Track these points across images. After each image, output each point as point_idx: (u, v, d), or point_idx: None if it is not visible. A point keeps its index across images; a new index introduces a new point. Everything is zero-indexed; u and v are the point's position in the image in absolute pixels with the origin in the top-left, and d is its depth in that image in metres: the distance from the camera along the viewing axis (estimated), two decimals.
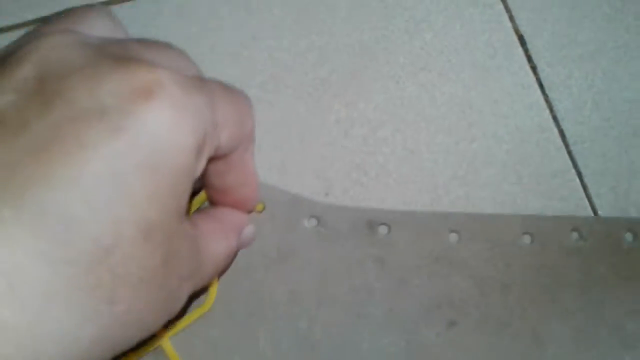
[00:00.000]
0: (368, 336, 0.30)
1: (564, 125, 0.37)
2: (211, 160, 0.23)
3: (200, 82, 0.20)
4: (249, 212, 0.29)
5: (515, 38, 0.39)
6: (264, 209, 0.31)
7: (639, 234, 0.31)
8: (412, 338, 0.29)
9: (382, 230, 0.32)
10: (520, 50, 0.39)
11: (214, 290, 0.29)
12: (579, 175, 0.36)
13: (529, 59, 0.39)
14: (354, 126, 0.37)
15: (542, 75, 0.38)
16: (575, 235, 0.31)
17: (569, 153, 0.36)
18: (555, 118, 0.37)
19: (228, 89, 0.24)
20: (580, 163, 0.36)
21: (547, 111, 0.37)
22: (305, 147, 0.37)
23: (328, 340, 0.29)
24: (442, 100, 0.38)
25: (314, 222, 0.32)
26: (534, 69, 0.38)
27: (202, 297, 0.30)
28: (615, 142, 0.37)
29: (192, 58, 0.39)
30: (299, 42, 0.39)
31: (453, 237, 0.32)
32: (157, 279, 0.17)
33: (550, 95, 0.38)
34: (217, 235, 0.24)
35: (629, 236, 0.31)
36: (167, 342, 0.28)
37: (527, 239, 0.32)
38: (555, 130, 0.37)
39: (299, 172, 0.36)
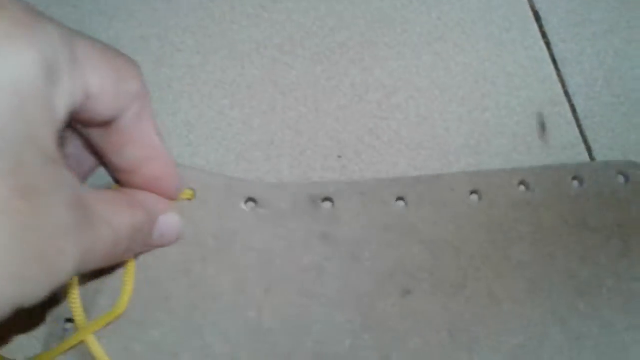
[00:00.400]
0: (322, 317, 0.28)
1: (575, 100, 0.38)
2: (99, 128, 0.22)
3: (56, 23, 0.18)
4: (172, 198, 0.26)
5: (530, 14, 0.40)
6: (193, 196, 0.28)
7: (585, 179, 0.31)
8: (368, 312, 0.28)
9: (326, 205, 0.30)
10: (535, 25, 0.39)
11: (126, 290, 0.26)
12: (589, 149, 0.36)
13: (544, 34, 0.39)
14: (368, 91, 0.38)
15: (555, 51, 0.39)
16: (522, 187, 0.31)
17: (579, 127, 0.37)
18: (567, 93, 0.38)
19: (101, 43, 0.21)
20: (590, 137, 0.37)
21: (559, 86, 0.38)
22: (319, 109, 0.37)
23: (280, 326, 0.28)
24: (457, 71, 0.38)
25: (252, 204, 0.29)
26: (547, 44, 0.39)
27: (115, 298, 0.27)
28: (625, 118, 0.37)
29: (213, 17, 0.39)
30: (319, 5, 0.39)
31: (400, 203, 0.30)
32: (16, 215, 0.15)
33: (563, 70, 0.38)
34: (118, 204, 0.21)
35: (575, 183, 0.31)
36: (92, 341, 0.25)
37: (474, 197, 0.31)
38: (567, 105, 0.37)
39: (313, 134, 0.36)
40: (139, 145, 0.22)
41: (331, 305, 0.28)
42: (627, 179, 0.31)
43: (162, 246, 0.27)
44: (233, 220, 0.28)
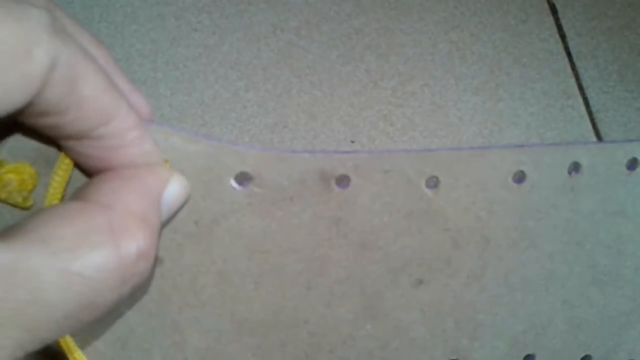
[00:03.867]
0: (321, 308, 0.24)
1: (589, 94, 0.36)
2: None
3: None
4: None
5: (547, 6, 0.38)
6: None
7: (639, 162, 0.26)
8: (373, 303, 0.25)
9: (340, 184, 0.23)
10: (551, 18, 0.37)
11: None
12: (600, 142, 0.35)
13: (559, 27, 0.37)
14: (383, 78, 0.36)
15: (570, 44, 0.37)
16: (572, 167, 0.26)
17: (592, 120, 0.35)
18: (580, 86, 0.36)
19: None
20: (602, 130, 0.35)
21: (573, 79, 0.36)
22: (334, 94, 0.35)
23: (272, 318, 0.24)
24: (472, 60, 0.36)
25: (244, 180, 0.22)
26: (563, 37, 0.37)
27: None
28: (637, 113, 0.36)
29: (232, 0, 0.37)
30: None
31: (430, 183, 0.24)
32: None
33: (578, 63, 0.37)
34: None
35: (628, 164, 0.26)
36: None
37: (517, 179, 0.26)
38: (580, 98, 0.36)
39: (327, 118, 0.35)
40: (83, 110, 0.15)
41: (331, 296, 0.24)
42: None
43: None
44: (218, 202, 0.21)
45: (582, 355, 0.27)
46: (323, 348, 0.25)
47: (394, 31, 0.37)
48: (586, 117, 0.36)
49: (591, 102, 0.36)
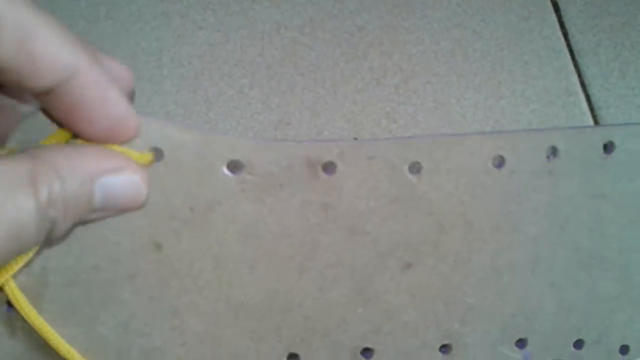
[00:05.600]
0: (314, 292, 0.25)
1: (591, 91, 0.35)
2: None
3: None
4: (121, 136, 0.18)
5: (549, 4, 0.37)
6: (153, 159, 0.21)
7: (616, 145, 0.26)
8: (364, 286, 0.25)
9: (327, 171, 0.24)
10: (553, 15, 0.37)
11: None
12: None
13: (562, 25, 0.37)
14: (386, 75, 0.35)
15: (572, 41, 0.36)
16: (550, 152, 0.26)
17: (594, 117, 0.35)
18: (582, 83, 0.35)
19: None
20: None
21: (575, 76, 0.36)
22: (337, 91, 0.35)
23: (267, 302, 0.24)
24: (475, 57, 0.36)
25: (235, 167, 0.23)
26: (565, 34, 0.36)
27: None
28: (639, 110, 0.35)
29: None
30: None
31: (413, 169, 0.25)
32: None
33: (580, 61, 0.36)
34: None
35: (604, 149, 0.27)
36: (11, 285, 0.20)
37: (496, 163, 0.26)
38: (582, 95, 0.35)
39: (330, 115, 0.34)
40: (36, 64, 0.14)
41: (325, 280, 0.25)
42: None
43: (113, 215, 0.20)
44: (212, 188, 0.22)
45: (575, 339, 0.27)
46: (317, 332, 0.25)
47: (397, 29, 0.36)
48: (588, 114, 0.35)
49: (593, 100, 0.35)
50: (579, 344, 0.26)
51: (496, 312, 0.26)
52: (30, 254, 0.20)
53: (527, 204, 0.26)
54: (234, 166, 0.23)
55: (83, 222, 0.19)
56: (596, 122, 0.35)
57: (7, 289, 0.20)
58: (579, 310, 0.26)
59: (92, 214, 0.18)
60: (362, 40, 0.36)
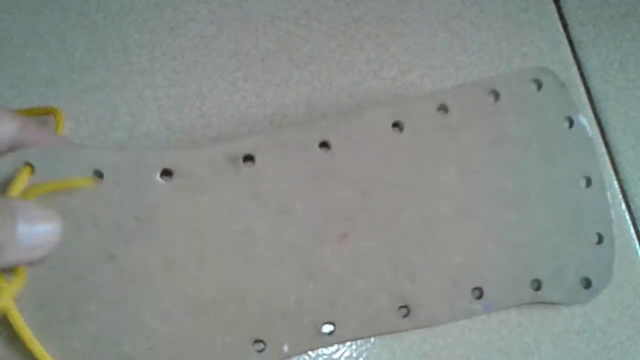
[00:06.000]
0: (263, 277, 0.25)
1: (590, 83, 0.35)
2: None
3: None
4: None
5: None
6: (95, 180, 0.24)
7: (501, 93, 0.28)
8: (308, 262, 0.26)
9: (247, 162, 0.26)
10: (552, 6, 0.36)
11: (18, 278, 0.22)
12: (602, 131, 0.34)
13: (561, 16, 0.36)
14: (383, 67, 0.35)
15: (572, 33, 0.36)
16: (441, 112, 0.28)
17: (594, 110, 0.34)
18: (582, 75, 0.35)
19: None
20: (602, 120, 0.34)
21: (575, 68, 0.35)
22: (333, 84, 0.34)
23: (222, 295, 0.25)
24: (473, 49, 0.35)
25: (167, 175, 0.26)
26: (564, 26, 0.36)
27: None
28: (639, 101, 0.34)
29: None
30: None
31: (323, 147, 0.27)
32: None
33: (579, 52, 0.35)
34: None
35: (491, 98, 0.28)
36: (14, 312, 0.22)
37: (396, 129, 0.28)
38: (582, 88, 0.35)
39: (326, 109, 0.34)
40: None
41: (270, 264, 0.26)
42: (539, 86, 0.28)
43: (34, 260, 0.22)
44: (151, 196, 0.25)
45: (530, 279, 0.27)
46: (275, 315, 0.25)
47: (394, 20, 0.36)
48: (588, 107, 0.34)
49: (592, 92, 0.35)
50: (537, 285, 0.27)
51: (442, 265, 0.26)
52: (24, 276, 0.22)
53: (434, 158, 0.28)
54: (166, 174, 0.26)
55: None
56: (596, 115, 0.34)
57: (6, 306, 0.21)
58: (522, 250, 0.27)
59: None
60: (358, 32, 0.35)
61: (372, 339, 0.30)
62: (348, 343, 0.29)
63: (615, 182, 0.33)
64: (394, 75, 0.35)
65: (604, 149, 0.33)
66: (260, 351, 0.25)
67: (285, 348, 0.25)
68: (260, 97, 0.34)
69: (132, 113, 0.33)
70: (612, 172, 0.33)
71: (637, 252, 0.32)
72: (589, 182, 0.28)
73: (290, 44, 0.35)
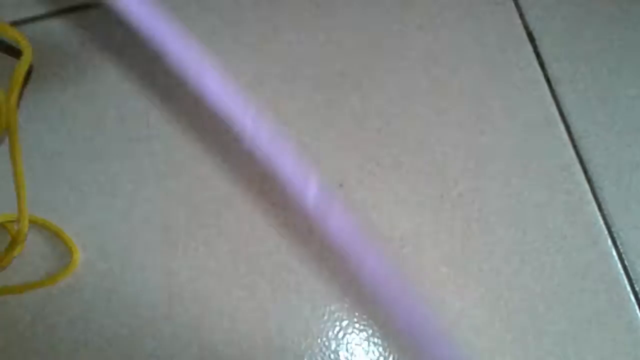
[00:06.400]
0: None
1: (570, 120, 0.36)
2: None
3: None
4: None
5: (524, 34, 0.37)
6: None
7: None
8: None
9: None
10: (529, 46, 0.37)
11: None
12: (584, 168, 0.35)
13: (538, 55, 0.37)
14: (368, 118, 0.36)
15: (549, 71, 0.37)
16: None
17: (575, 147, 0.35)
18: (561, 113, 0.36)
19: None
20: (584, 157, 0.35)
21: (554, 106, 0.36)
22: (321, 138, 0.35)
23: None
24: (453, 94, 0.36)
25: None
26: (542, 65, 0.37)
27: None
28: (618, 136, 0.35)
29: (216, 50, 0.37)
30: (317, 34, 0.37)
31: None
32: None
33: (557, 90, 0.36)
34: None
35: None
36: None
37: None
38: (562, 125, 0.36)
39: (315, 163, 0.35)
40: None
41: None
42: None
43: None
44: None
45: None
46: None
47: (376, 70, 0.37)
48: (569, 144, 0.35)
49: (573, 129, 0.36)
50: None
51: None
52: None
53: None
54: None
55: None
56: (577, 152, 0.35)
57: None
58: None
59: None
60: (342, 85, 0.37)
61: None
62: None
63: (600, 219, 0.34)
64: (379, 126, 0.36)
65: (587, 186, 0.34)
66: None
67: None
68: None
69: (133, 180, 0.34)
70: (596, 208, 0.34)
71: (625, 287, 0.33)
72: None
73: (278, 102, 0.36)
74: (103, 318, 0.32)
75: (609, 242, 0.34)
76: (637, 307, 0.32)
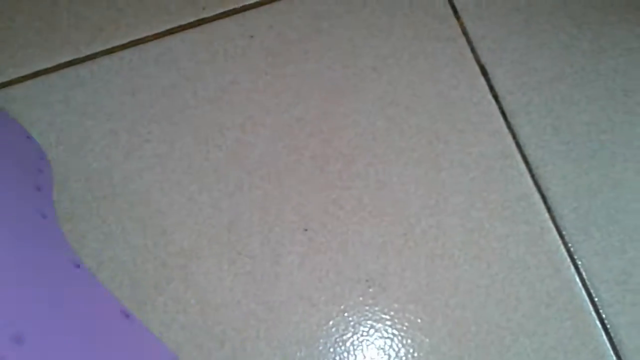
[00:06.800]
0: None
1: (526, 151, 0.36)
2: None
3: None
4: None
5: (477, 68, 0.38)
6: None
7: None
8: None
9: None
10: (482, 80, 0.38)
11: None
12: (543, 198, 0.35)
13: (491, 88, 0.38)
14: (329, 162, 0.37)
15: (503, 103, 0.37)
16: None
17: (532, 177, 0.36)
18: (517, 144, 0.36)
19: None
20: (543, 186, 0.35)
21: (510, 137, 0.37)
22: (283, 184, 0.36)
23: None
24: (410, 133, 0.37)
25: None
26: (495, 97, 0.37)
27: None
28: (575, 163, 0.36)
29: (176, 106, 0.38)
30: (274, 83, 0.38)
31: None
32: None
33: (512, 122, 0.37)
34: None
35: None
36: None
37: None
38: (519, 156, 0.36)
39: (279, 210, 0.35)
40: None
41: None
42: None
43: None
44: None
45: None
46: None
47: (334, 115, 0.38)
48: (527, 175, 0.36)
49: (529, 159, 0.36)
50: None
51: None
52: None
53: None
54: None
55: None
56: (535, 181, 0.36)
57: None
58: None
59: None
60: (301, 131, 0.37)
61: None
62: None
63: (562, 246, 0.34)
64: (339, 168, 0.36)
65: (547, 215, 0.35)
66: None
67: None
68: (216, 207, 0.36)
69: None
70: (557, 236, 0.34)
71: (590, 313, 0.33)
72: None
73: (239, 151, 0.37)
74: None
75: (572, 269, 0.34)
76: (603, 332, 0.33)
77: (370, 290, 0.34)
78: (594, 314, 0.33)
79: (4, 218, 0.27)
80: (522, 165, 0.36)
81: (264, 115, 0.38)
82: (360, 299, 0.34)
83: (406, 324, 0.33)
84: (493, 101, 0.38)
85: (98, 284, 0.30)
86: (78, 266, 0.30)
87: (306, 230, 0.35)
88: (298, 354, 0.33)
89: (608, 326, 0.32)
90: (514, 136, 0.37)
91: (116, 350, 0.27)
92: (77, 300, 0.28)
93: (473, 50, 0.39)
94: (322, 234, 0.35)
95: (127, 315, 0.30)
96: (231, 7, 0.39)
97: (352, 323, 0.34)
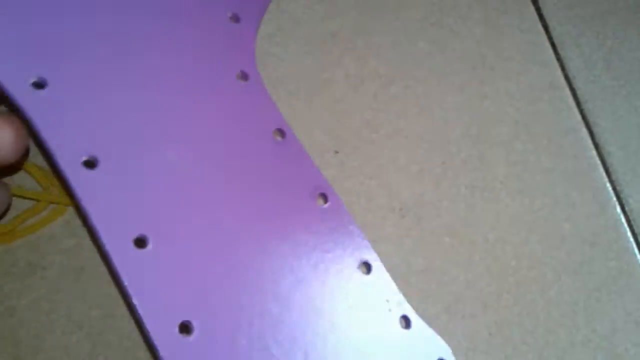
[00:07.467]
0: None
1: (576, 84, 0.34)
2: None
3: None
4: None
5: None
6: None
7: None
8: None
9: None
10: (532, 8, 0.35)
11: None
12: (591, 133, 0.33)
13: (541, 17, 0.35)
14: (364, 82, 0.34)
15: (553, 34, 0.35)
16: None
17: (581, 111, 0.33)
18: (566, 77, 0.34)
19: None
20: (591, 121, 0.33)
21: (559, 70, 0.34)
22: (313, 103, 0.33)
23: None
24: (454, 57, 0.34)
25: None
26: (545, 27, 0.35)
27: None
28: (626, 100, 0.34)
29: None
30: None
31: None
32: None
33: (562, 53, 0.34)
34: None
35: None
36: None
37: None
38: (567, 89, 0.34)
39: (308, 129, 0.32)
40: None
41: None
42: None
43: None
44: None
45: None
46: None
47: (372, 32, 0.34)
48: (575, 109, 0.34)
49: (578, 93, 0.34)
50: None
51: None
52: None
53: None
54: None
55: None
56: (584, 116, 0.33)
57: None
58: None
59: None
60: (335, 47, 0.34)
61: None
62: None
63: (608, 184, 0.32)
64: (375, 90, 0.33)
65: (594, 152, 0.33)
66: None
67: None
68: None
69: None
70: (604, 174, 0.32)
71: (635, 255, 0.31)
72: None
73: (267, 63, 0.34)
74: (71, 299, 0.28)
75: (618, 208, 0.32)
76: None
77: (404, 219, 0.31)
78: (638, 255, 0.31)
79: None
80: (571, 99, 0.34)
81: (295, 26, 0.34)
82: (393, 228, 0.31)
83: (441, 257, 0.31)
84: (542, 31, 0.35)
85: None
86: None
87: (337, 152, 0.32)
88: None
89: None
90: (563, 68, 0.34)
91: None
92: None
93: None
94: (353, 158, 0.32)
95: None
96: None
97: (382, 254, 0.32)
